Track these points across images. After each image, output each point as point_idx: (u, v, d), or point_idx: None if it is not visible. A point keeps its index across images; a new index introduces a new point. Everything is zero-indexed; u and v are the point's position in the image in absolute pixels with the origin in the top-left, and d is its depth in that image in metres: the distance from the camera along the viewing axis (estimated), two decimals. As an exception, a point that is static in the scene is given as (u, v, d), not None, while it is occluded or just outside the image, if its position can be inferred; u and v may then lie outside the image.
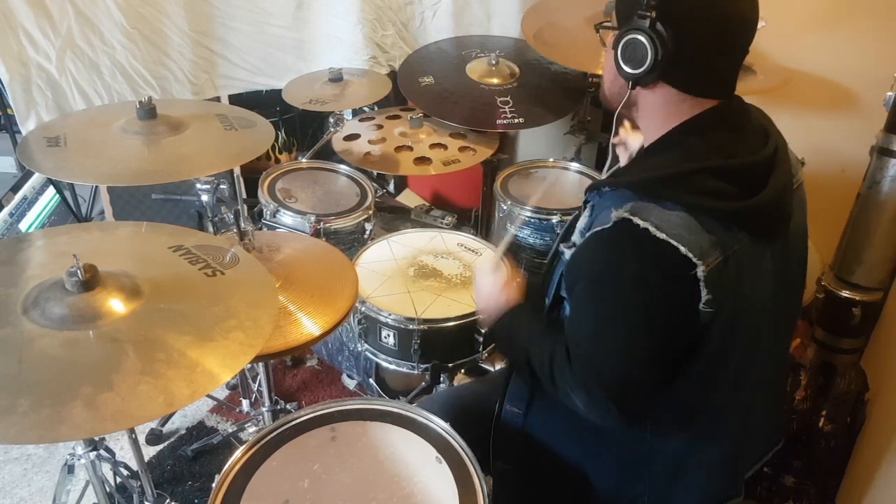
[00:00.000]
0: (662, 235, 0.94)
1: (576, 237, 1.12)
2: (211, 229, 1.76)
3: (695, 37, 1.00)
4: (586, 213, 1.13)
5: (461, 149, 2.23)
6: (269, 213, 2.06)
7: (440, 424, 1.22)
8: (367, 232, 2.12)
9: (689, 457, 1.13)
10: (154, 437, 2.11)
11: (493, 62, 2.38)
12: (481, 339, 1.71)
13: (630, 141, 1.39)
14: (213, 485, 1.10)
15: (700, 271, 0.94)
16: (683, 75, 1.02)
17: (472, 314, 1.66)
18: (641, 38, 0.99)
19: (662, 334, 1.00)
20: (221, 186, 1.68)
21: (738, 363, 1.07)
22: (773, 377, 1.25)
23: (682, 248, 0.94)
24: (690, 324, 0.99)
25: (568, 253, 1.12)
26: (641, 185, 1.01)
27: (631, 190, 1.02)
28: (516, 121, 2.24)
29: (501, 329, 1.29)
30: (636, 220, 0.96)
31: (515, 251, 2.17)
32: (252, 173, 2.38)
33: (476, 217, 2.58)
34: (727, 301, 0.98)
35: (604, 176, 1.24)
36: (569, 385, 1.08)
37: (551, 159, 2.41)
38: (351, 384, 2.28)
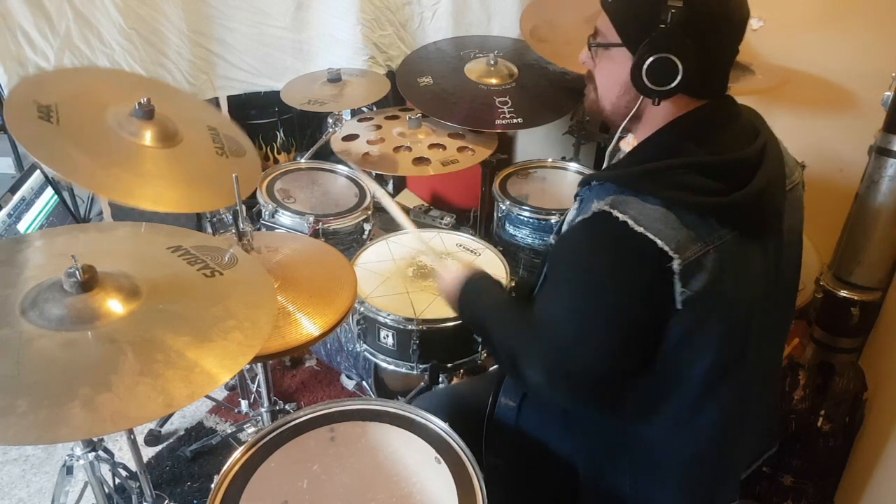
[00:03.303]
0: (640, 229, 0.95)
1: (564, 229, 1.13)
2: (209, 230, 1.76)
3: (712, 46, 1.01)
4: (575, 206, 1.14)
5: (460, 149, 2.23)
6: (267, 213, 2.06)
7: (439, 425, 1.22)
8: (366, 232, 2.12)
9: (676, 452, 1.13)
10: (153, 438, 2.11)
11: (492, 62, 2.38)
12: (480, 339, 1.71)
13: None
14: (212, 485, 1.10)
15: (676, 265, 0.95)
16: (699, 83, 1.02)
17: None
18: (671, 55, 0.97)
19: (630, 327, 1.01)
20: (220, 187, 1.68)
21: (726, 361, 1.07)
22: (767, 378, 1.25)
23: (659, 242, 0.94)
24: (662, 318, 1.00)
25: None
26: (624, 179, 1.03)
27: (614, 184, 1.03)
28: (515, 121, 2.24)
29: (465, 298, 1.30)
30: (615, 213, 0.97)
31: (514, 252, 2.17)
32: (250, 174, 2.38)
33: (475, 217, 2.58)
34: (708, 296, 0.98)
35: None
36: (528, 365, 1.08)
37: (550, 159, 2.42)
38: (350, 384, 2.28)
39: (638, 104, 1.06)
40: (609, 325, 1.01)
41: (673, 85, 0.99)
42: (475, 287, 1.30)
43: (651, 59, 0.99)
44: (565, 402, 1.10)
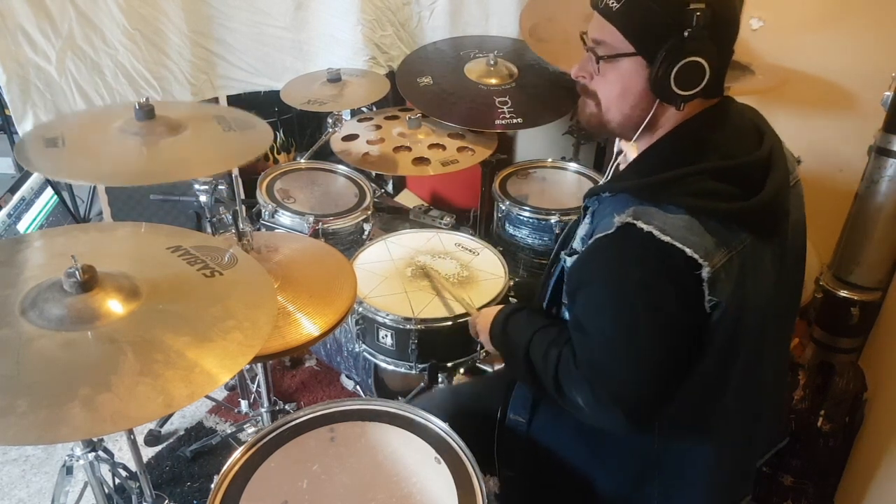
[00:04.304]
0: (667, 238, 0.94)
1: (576, 244, 1.12)
2: (209, 230, 1.76)
3: (727, 44, 1.01)
4: (587, 220, 1.12)
5: (460, 149, 2.23)
6: (267, 213, 2.06)
7: (439, 425, 1.22)
8: (366, 232, 2.12)
9: (700, 458, 1.13)
10: (153, 438, 2.11)
11: (492, 62, 2.38)
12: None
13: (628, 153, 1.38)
14: (212, 485, 1.10)
15: (705, 272, 0.94)
16: (715, 83, 1.02)
17: (469, 314, 1.66)
18: (699, 58, 0.96)
19: (672, 339, 1.00)
20: (220, 187, 1.68)
21: (746, 363, 1.07)
22: (778, 374, 1.25)
23: (688, 250, 0.94)
24: (698, 326, 0.99)
25: (568, 260, 1.12)
26: (641, 189, 1.01)
27: (631, 194, 1.01)
28: (515, 121, 2.24)
29: (497, 327, 1.28)
30: (640, 224, 0.95)
31: (514, 252, 2.17)
32: (250, 174, 2.38)
33: (475, 217, 2.58)
34: (733, 301, 0.98)
35: (604, 181, 1.23)
36: (575, 388, 1.08)
37: (549, 159, 2.42)
38: (349, 384, 2.28)
39: (653, 110, 1.04)
40: (651, 342, 1.00)
41: (699, 88, 0.99)
42: (511, 317, 1.27)
43: (680, 64, 0.97)
44: (616, 425, 1.07)
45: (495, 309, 1.34)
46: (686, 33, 0.95)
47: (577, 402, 1.08)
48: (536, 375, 1.15)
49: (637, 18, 1.00)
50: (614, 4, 1.00)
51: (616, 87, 1.06)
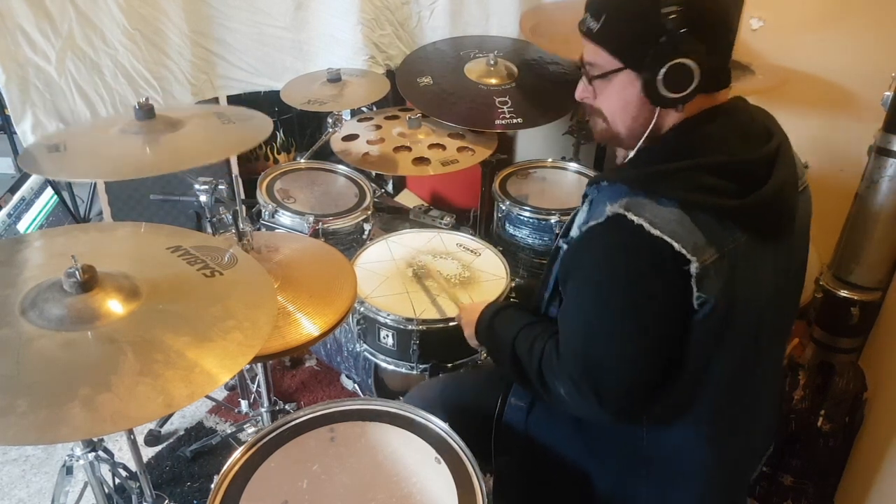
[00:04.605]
0: (657, 232, 0.94)
1: (574, 232, 1.13)
2: (209, 230, 1.76)
3: (717, 36, 1.01)
4: (584, 208, 1.13)
5: (460, 149, 2.23)
6: (267, 213, 2.06)
7: (439, 425, 1.22)
8: (366, 232, 2.12)
9: (694, 455, 1.13)
10: (153, 438, 2.11)
11: (492, 62, 2.38)
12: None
13: None
14: (212, 485, 1.10)
15: (693, 268, 0.94)
16: (712, 78, 1.01)
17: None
18: (683, 60, 0.96)
19: (656, 332, 1.00)
20: (220, 187, 1.68)
21: (744, 362, 1.07)
22: (772, 379, 1.25)
23: (676, 245, 0.94)
24: (684, 321, 0.99)
25: (566, 247, 1.12)
26: (638, 181, 1.01)
27: (627, 185, 1.02)
28: (515, 121, 2.24)
29: (483, 322, 1.31)
30: (630, 215, 0.96)
31: (514, 252, 2.17)
32: (250, 174, 2.38)
33: (475, 217, 2.58)
34: (723, 299, 0.98)
35: None
36: (557, 378, 1.08)
37: (550, 159, 2.42)
38: (349, 385, 2.28)
39: (655, 117, 1.05)
40: (634, 334, 1.00)
41: (693, 87, 0.99)
42: (496, 311, 1.30)
43: (664, 69, 0.97)
44: (596, 415, 1.08)
45: (481, 304, 1.35)
46: (663, 38, 0.96)
47: (559, 392, 1.09)
48: (522, 369, 1.17)
49: (617, 34, 1.02)
50: (594, 26, 1.03)
51: (616, 101, 1.07)
